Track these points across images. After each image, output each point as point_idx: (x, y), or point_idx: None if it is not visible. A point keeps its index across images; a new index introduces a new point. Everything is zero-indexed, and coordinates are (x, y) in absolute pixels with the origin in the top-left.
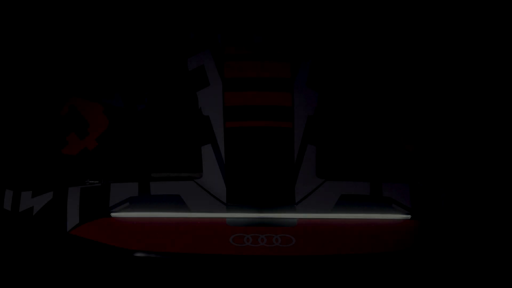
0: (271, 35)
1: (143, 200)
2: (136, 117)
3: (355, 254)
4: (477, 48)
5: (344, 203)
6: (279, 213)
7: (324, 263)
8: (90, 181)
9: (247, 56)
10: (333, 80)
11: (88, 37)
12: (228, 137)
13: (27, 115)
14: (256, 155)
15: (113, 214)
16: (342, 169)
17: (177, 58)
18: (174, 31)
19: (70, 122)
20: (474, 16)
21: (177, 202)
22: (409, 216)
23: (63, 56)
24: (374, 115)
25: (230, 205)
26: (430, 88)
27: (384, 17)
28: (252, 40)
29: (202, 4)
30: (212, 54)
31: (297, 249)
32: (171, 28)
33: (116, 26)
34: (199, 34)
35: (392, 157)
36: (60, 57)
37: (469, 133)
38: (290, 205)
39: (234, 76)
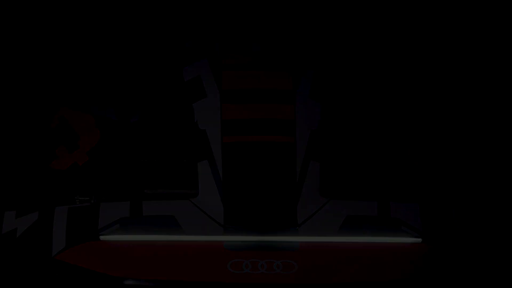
0: (271, 43)
1: (135, 221)
2: (129, 130)
3: (362, 282)
4: (489, 64)
5: (350, 225)
6: (280, 236)
7: None
8: (80, 198)
9: (247, 66)
10: (337, 91)
11: (79, 44)
12: (226, 153)
13: (14, 126)
14: (255, 173)
15: (102, 237)
16: (348, 187)
17: (173, 67)
18: (169, 39)
19: (59, 135)
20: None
21: (170, 224)
22: (419, 240)
23: (52, 63)
24: (381, 129)
25: (228, 227)
26: (441, 100)
27: (390, 24)
28: (252, 49)
29: (199, 11)
30: (209, 64)
31: (299, 276)
32: (167, 36)
33: (109, 34)
34: (195, 42)
35: (400, 174)
36: (49, 64)
37: (482, 150)
38: (292, 227)
39: (232, 87)
